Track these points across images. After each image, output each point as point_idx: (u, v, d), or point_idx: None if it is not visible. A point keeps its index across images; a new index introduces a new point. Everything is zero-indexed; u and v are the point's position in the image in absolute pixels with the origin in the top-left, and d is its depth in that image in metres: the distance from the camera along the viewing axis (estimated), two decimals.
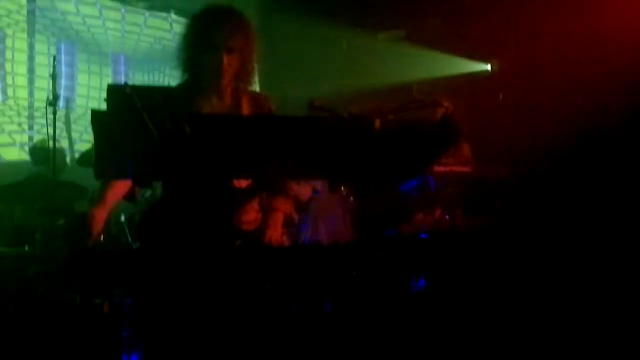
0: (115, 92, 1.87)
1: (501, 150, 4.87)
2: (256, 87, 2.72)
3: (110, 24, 6.30)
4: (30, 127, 5.69)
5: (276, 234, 2.43)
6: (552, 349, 3.14)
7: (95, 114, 1.88)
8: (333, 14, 5.80)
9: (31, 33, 5.67)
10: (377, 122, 2.04)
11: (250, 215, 2.45)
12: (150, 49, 6.61)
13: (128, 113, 1.84)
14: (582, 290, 3.67)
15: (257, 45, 2.47)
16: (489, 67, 5.74)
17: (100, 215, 2.31)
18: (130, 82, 6.19)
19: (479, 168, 4.43)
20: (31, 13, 5.66)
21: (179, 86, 2.48)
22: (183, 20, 6.54)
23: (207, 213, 2.31)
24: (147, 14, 6.53)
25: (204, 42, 2.35)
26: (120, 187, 2.35)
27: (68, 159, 5.26)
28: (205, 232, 2.28)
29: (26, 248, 3.79)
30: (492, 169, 4.53)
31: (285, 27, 5.57)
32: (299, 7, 5.56)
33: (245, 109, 2.47)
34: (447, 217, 4.01)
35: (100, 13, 6.20)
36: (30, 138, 5.67)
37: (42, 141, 4.32)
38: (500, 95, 5.22)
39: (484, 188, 4.41)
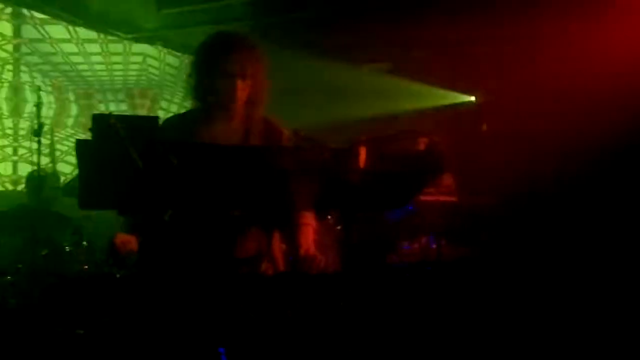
0: (100, 122, 1.87)
1: (486, 180, 4.91)
2: None
3: (94, 57, 6.33)
4: (15, 153, 5.68)
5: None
6: None
7: (80, 144, 1.88)
8: (319, 45, 5.86)
9: (17, 67, 5.69)
10: (363, 152, 2.05)
11: (249, 243, 2.41)
12: (136, 79, 6.64)
13: (112, 143, 1.83)
14: (570, 324, 3.67)
15: (268, 71, 2.45)
16: (473, 98, 5.82)
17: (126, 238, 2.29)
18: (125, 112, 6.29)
19: (465, 198, 4.46)
20: (16, 48, 5.69)
21: (188, 113, 2.48)
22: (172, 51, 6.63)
23: (202, 243, 2.30)
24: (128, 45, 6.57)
25: (216, 69, 2.33)
26: None
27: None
28: (201, 261, 2.27)
29: (9, 278, 3.75)
30: (477, 199, 4.57)
31: (270, 58, 5.59)
32: (284, 38, 5.61)
33: (256, 136, 2.44)
34: (433, 246, 4.02)
35: (80, 49, 6.22)
36: (14, 167, 5.64)
37: (37, 171, 4.30)
38: (484, 126, 5.29)
39: (470, 218, 4.43)
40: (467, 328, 3.42)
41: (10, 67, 5.69)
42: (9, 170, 5.65)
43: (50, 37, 5.95)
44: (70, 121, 6.16)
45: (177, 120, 2.52)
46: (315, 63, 5.86)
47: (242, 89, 2.34)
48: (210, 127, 2.39)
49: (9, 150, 5.66)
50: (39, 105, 4.10)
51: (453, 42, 5.53)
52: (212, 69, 2.34)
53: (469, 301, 3.65)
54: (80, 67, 6.25)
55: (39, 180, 4.22)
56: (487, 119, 5.40)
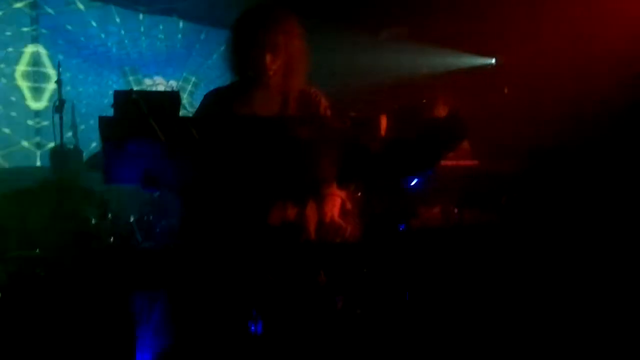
0: (122, 98, 1.89)
1: (507, 144, 4.87)
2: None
3: (112, 30, 6.33)
4: (38, 132, 5.72)
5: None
6: (555, 345, 3.14)
7: (102, 120, 1.90)
8: (334, 12, 5.80)
9: (35, 41, 5.70)
10: (384, 121, 2.05)
11: (280, 212, 2.43)
12: (156, 53, 6.64)
13: (134, 118, 1.85)
14: (586, 287, 3.67)
15: (302, 43, 2.46)
16: (493, 61, 5.73)
17: None
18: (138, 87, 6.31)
19: (486, 162, 4.44)
20: (34, 21, 5.70)
21: (229, 87, 2.51)
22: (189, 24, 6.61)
23: (236, 213, 2.32)
24: (146, 18, 6.57)
25: (247, 42, 2.36)
26: None
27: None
28: (237, 232, 2.29)
29: (37, 251, 3.83)
30: (498, 163, 4.54)
31: None
32: (299, 7, 5.56)
33: (293, 107, 2.46)
34: (455, 211, 4.02)
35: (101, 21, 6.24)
36: (38, 144, 5.70)
37: (60, 146, 4.37)
38: (506, 89, 5.22)
39: (491, 182, 4.41)
40: (486, 293, 3.44)
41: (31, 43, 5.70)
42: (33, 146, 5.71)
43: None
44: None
45: (219, 92, 2.55)
46: (330, 30, 5.81)
47: (272, 61, 2.35)
48: (248, 100, 2.42)
49: (32, 124, 5.71)
50: (59, 81, 4.13)
51: (470, 4, 5.44)
52: (244, 42, 2.37)
53: (490, 265, 3.66)
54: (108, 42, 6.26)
55: (62, 155, 4.27)
56: (507, 81, 5.32)
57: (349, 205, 2.51)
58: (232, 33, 2.44)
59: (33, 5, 5.63)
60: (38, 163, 5.63)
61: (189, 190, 2.27)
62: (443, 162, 3.92)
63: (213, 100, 2.47)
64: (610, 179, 4.58)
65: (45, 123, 5.52)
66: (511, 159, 4.66)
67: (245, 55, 2.37)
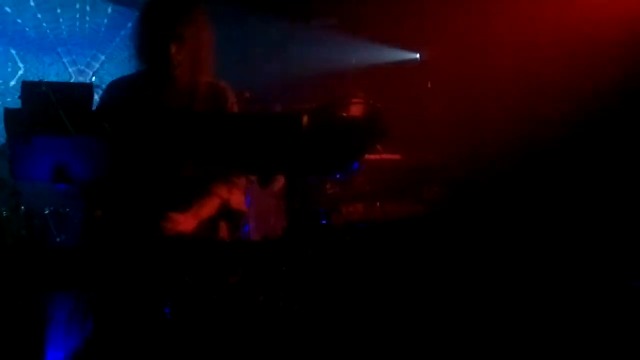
0: (30, 89, 1.79)
1: (430, 137, 4.97)
2: None
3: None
4: None
5: (187, 221, 2.27)
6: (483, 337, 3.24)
7: (9, 112, 1.79)
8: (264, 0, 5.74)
9: None
10: (305, 119, 2.04)
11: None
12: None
13: (44, 111, 1.76)
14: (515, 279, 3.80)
15: (211, 34, 2.38)
16: (418, 55, 5.83)
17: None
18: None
19: (409, 155, 4.51)
20: None
21: (134, 75, 2.41)
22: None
23: (133, 209, 2.25)
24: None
25: (152, 31, 2.28)
26: None
27: None
28: (133, 228, 2.22)
29: None
30: (421, 156, 4.63)
31: (213, 15, 5.45)
32: None
33: (201, 99, 2.38)
34: (377, 204, 4.06)
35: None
36: None
37: None
38: (429, 84, 5.33)
39: (414, 175, 4.49)
40: (411, 286, 3.50)
41: None
42: None
43: None
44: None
45: (123, 82, 2.45)
46: (259, 19, 5.75)
47: (178, 53, 2.27)
48: (155, 90, 2.34)
49: None
50: None
51: None
52: (149, 32, 2.29)
53: (414, 259, 3.73)
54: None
55: None
56: (431, 76, 5.43)
57: (242, 206, 2.46)
58: (137, 20, 2.36)
59: None
60: None
61: (98, 185, 2.18)
62: (367, 156, 3.94)
63: (118, 91, 2.38)
64: (534, 166, 4.75)
65: None
66: (433, 152, 4.76)
67: (150, 44, 2.29)
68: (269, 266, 2.28)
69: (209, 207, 2.35)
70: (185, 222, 2.26)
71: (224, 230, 2.46)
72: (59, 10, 6.20)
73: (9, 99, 5.69)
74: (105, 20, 6.49)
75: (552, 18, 4.73)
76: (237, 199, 2.46)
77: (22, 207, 4.01)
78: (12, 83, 5.81)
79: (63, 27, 6.27)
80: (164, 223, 2.21)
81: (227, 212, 2.42)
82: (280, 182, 3.69)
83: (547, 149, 4.75)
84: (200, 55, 2.34)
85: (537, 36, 4.74)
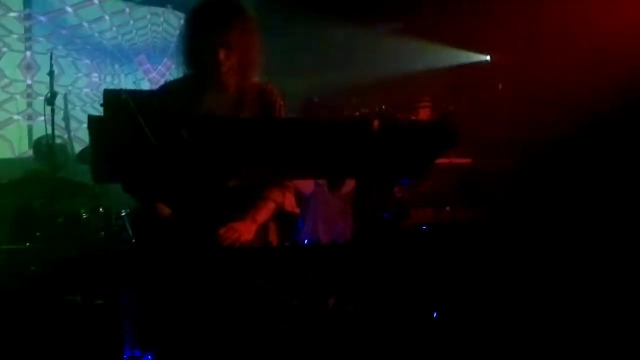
0: (112, 98, 1.87)
1: (501, 141, 4.86)
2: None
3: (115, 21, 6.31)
4: (30, 117, 5.68)
5: (248, 228, 2.32)
6: (549, 342, 3.15)
7: (92, 120, 1.88)
8: (330, 5, 5.76)
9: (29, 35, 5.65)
10: (376, 122, 2.04)
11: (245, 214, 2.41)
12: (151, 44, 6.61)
13: (124, 118, 1.83)
14: (580, 284, 3.68)
15: (258, 39, 2.40)
16: (488, 57, 5.72)
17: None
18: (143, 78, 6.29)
19: (478, 160, 4.43)
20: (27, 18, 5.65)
21: (182, 80, 2.45)
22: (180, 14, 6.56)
23: (203, 214, 2.30)
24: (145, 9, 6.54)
25: (201, 38, 2.31)
26: None
27: (69, 155, 5.26)
28: (198, 233, 2.27)
29: (28, 245, 3.81)
30: (492, 160, 4.54)
31: (281, 19, 5.53)
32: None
33: (250, 103, 2.42)
34: (447, 209, 4.01)
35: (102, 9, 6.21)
36: (29, 129, 5.66)
37: (45, 137, 4.33)
38: (500, 86, 5.21)
39: (485, 179, 4.41)
40: (481, 291, 3.44)
41: (17, 36, 5.64)
42: (25, 137, 5.66)
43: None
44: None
45: (173, 87, 2.48)
46: (325, 24, 5.78)
47: (227, 58, 2.30)
48: (204, 96, 2.37)
49: (22, 117, 5.66)
50: (51, 73, 4.10)
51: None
52: (197, 37, 2.32)
53: (484, 263, 3.66)
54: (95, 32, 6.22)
55: (49, 147, 4.23)
56: (502, 78, 5.31)
57: (295, 209, 2.47)
58: (185, 26, 2.39)
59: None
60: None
61: (168, 191, 2.24)
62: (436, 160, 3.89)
63: (171, 95, 2.39)
64: (605, 177, 4.58)
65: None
66: (504, 156, 4.66)
67: (199, 51, 2.32)
68: (338, 270, 2.28)
69: (265, 212, 2.39)
70: (247, 230, 2.31)
71: (273, 233, 2.49)
72: (131, 22, 6.47)
73: (90, 107, 5.98)
74: (177, 31, 6.70)
75: (625, 24, 4.56)
76: (291, 202, 2.49)
77: (101, 209, 4.17)
78: (90, 90, 6.10)
79: (137, 38, 6.53)
80: (227, 233, 2.26)
81: (280, 215, 2.45)
82: (349, 185, 3.70)
83: (620, 153, 4.57)
84: (248, 60, 2.37)
85: (611, 40, 4.57)
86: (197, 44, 2.33)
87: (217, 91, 2.39)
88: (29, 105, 5.65)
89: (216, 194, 2.28)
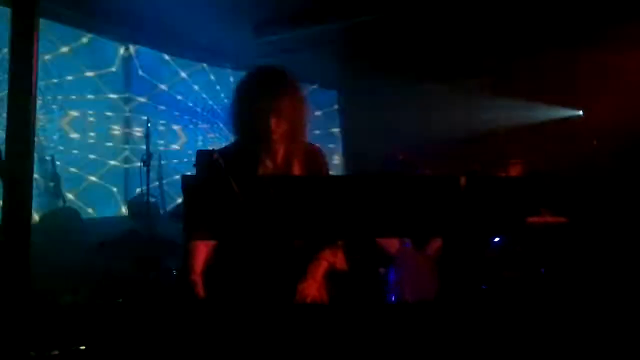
0: (204, 157, 1.93)
1: (597, 198, 4.63)
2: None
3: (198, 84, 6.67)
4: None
5: (312, 287, 2.33)
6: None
7: (185, 179, 1.94)
8: (416, 62, 5.81)
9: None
10: (463, 180, 1.99)
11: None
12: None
13: (215, 177, 1.88)
14: None
15: (305, 105, 2.46)
16: (581, 112, 5.55)
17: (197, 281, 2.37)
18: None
19: (576, 218, 4.22)
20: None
21: (234, 145, 2.49)
22: None
23: (270, 271, 2.32)
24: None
25: (252, 106, 2.37)
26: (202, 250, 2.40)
27: (161, 212, 5.47)
28: (268, 292, 2.29)
29: (120, 300, 3.93)
30: (591, 218, 4.31)
31: (367, 78, 5.62)
32: (381, 59, 5.60)
33: (297, 169, 2.47)
34: (542, 271, 3.83)
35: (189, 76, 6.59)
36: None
37: (139, 196, 4.54)
38: (595, 141, 5.01)
39: (583, 240, 4.19)
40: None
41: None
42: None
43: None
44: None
45: (229, 152, 2.46)
46: (412, 81, 5.81)
47: (277, 125, 2.35)
48: (251, 163, 2.42)
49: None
50: (147, 136, 4.32)
51: (556, 56, 5.31)
52: (249, 107, 2.37)
53: (582, 335, 3.44)
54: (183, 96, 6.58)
55: (146, 206, 4.42)
56: (596, 133, 5.11)
57: (339, 267, 2.44)
58: (235, 96, 2.44)
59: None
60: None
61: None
62: (530, 219, 3.75)
63: (231, 159, 2.32)
64: None
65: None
66: (601, 213, 4.42)
67: (250, 119, 2.37)
68: (424, 329, 2.21)
69: (320, 272, 2.39)
70: (311, 290, 2.32)
71: (323, 290, 2.48)
72: (218, 87, 6.82)
73: (179, 165, 6.26)
74: None
75: None
76: (341, 261, 2.49)
77: None
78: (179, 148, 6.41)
79: (222, 96, 6.88)
80: (307, 290, 2.29)
81: (332, 274, 2.44)
82: (436, 244, 3.61)
83: None
84: (297, 125, 2.41)
85: None
86: (248, 113, 2.39)
87: (265, 158, 2.45)
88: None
89: (284, 253, 2.31)
